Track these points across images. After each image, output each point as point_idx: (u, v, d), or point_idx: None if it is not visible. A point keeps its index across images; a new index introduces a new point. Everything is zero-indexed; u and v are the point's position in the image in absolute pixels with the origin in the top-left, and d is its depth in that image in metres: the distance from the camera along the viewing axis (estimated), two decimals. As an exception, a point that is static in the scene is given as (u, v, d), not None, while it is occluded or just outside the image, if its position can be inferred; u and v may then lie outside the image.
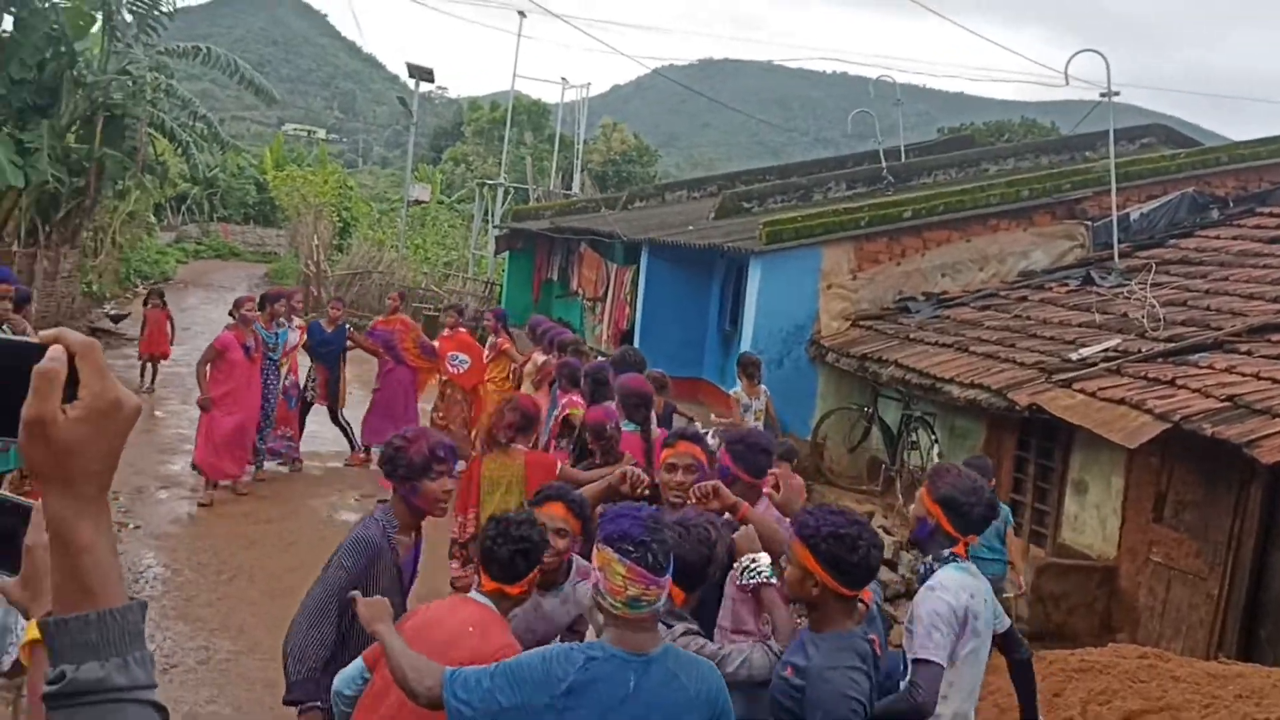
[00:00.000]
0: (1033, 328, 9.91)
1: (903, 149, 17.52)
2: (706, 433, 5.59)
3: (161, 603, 7.85)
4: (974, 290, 11.81)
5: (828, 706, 3.20)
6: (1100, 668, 5.21)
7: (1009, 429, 9.15)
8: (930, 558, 3.91)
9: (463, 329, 11.86)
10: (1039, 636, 7.50)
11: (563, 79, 31.47)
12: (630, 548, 2.98)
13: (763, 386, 9.71)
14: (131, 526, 9.38)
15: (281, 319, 10.78)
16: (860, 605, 3.50)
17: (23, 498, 1.69)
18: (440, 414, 11.53)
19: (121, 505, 9.96)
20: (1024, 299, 11.07)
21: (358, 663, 3.61)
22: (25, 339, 1.17)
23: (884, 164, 16.04)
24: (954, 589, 3.73)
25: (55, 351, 1.13)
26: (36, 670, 1.50)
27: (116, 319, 20.74)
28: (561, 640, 3.96)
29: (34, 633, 1.50)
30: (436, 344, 11.69)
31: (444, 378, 11.54)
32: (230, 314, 10.65)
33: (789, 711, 3.36)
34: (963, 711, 3.83)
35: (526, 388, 10.47)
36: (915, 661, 3.64)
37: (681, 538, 3.45)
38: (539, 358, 10.08)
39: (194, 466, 10.31)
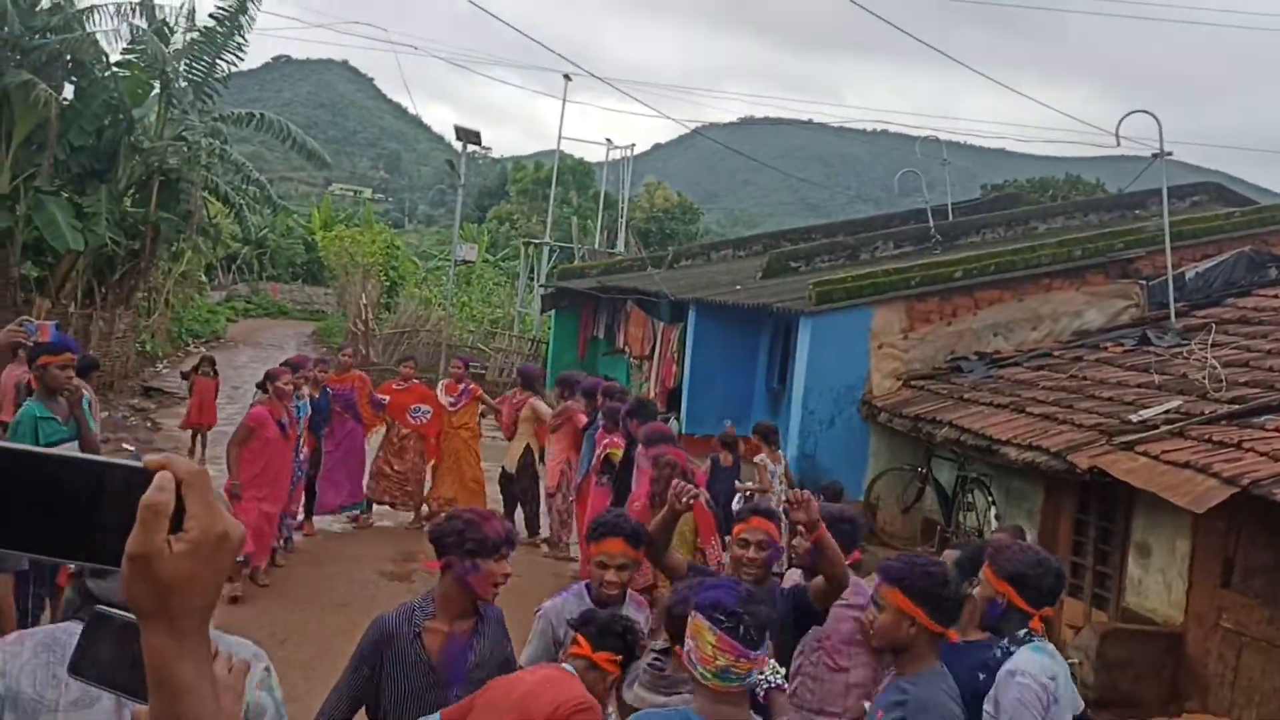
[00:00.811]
0: (1090, 388, 9.78)
1: (950, 208, 17.52)
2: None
3: (218, 664, 7.86)
4: (1027, 350, 11.72)
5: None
6: (1176, 741, 5.06)
7: (1068, 491, 9.01)
8: (1005, 640, 3.80)
9: (417, 380, 11.75)
10: (1105, 704, 7.32)
11: (607, 140, 31.85)
12: (723, 618, 2.97)
13: (780, 451, 10.11)
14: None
15: (301, 390, 9.88)
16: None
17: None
18: (389, 464, 11.37)
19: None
20: (1079, 359, 10.95)
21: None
22: (131, 463, 1.11)
23: (931, 223, 16.03)
24: (1035, 672, 3.63)
25: (163, 481, 1.07)
26: None
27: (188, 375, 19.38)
28: None
29: None
30: (386, 397, 11.44)
31: (401, 429, 11.39)
32: (260, 386, 9.74)
33: None
34: None
35: (525, 431, 11.21)
36: None
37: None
38: (542, 407, 11.13)
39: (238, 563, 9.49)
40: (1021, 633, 3.78)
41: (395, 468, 11.39)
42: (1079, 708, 4.00)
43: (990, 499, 9.82)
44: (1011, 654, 3.73)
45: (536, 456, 11.20)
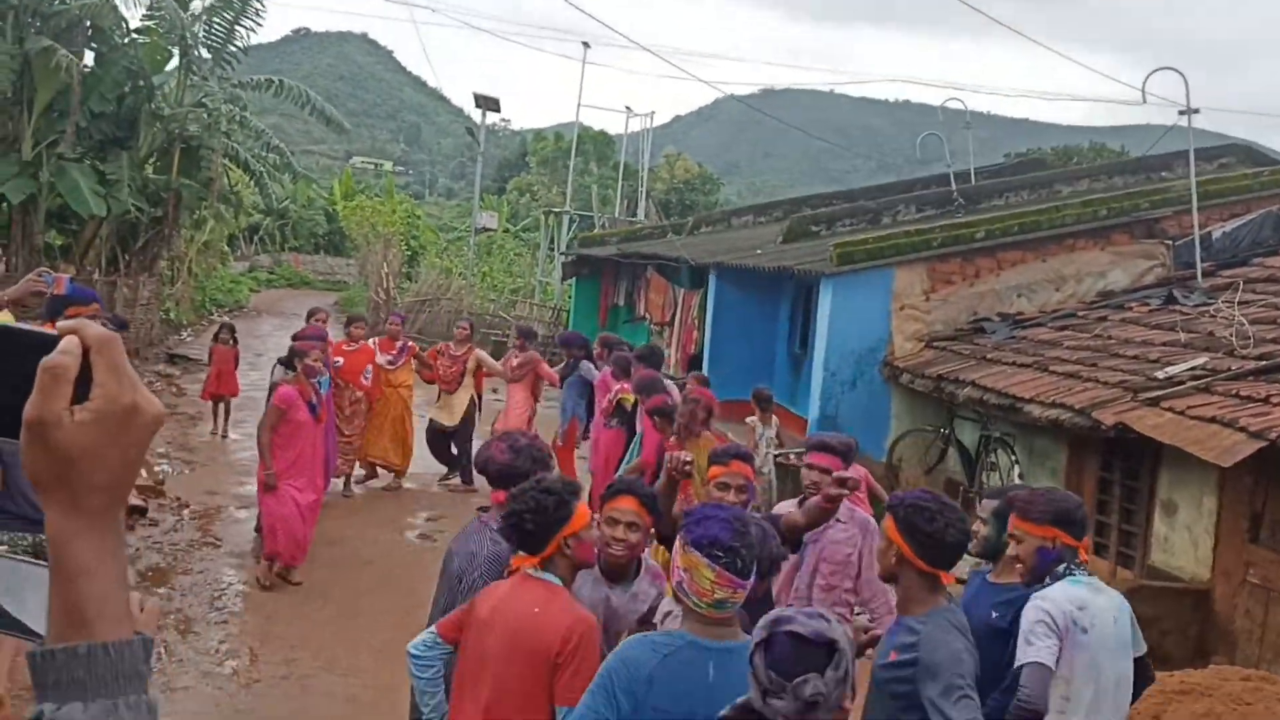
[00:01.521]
0: (1115, 347, 9.70)
1: (973, 171, 17.35)
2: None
3: (244, 619, 7.95)
4: (1051, 311, 11.61)
5: (946, 664, 3.27)
6: (1202, 690, 5.04)
7: (1092, 449, 8.95)
8: (1048, 578, 3.88)
9: (366, 342, 11.40)
10: (1130, 663, 7.30)
11: (627, 108, 31.71)
12: (720, 553, 3.04)
13: (773, 417, 10.59)
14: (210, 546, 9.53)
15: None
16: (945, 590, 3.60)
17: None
18: (339, 431, 10.60)
19: (197, 524, 10.13)
20: (1104, 319, 10.85)
21: (430, 632, 3.70)
22: (39, 330, 1.04)
23: (954, 187, 15.88)
24: (1056, 598, 3.75)
25: (67, 344, 1.00)
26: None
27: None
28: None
29: None
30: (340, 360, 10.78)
31: (353, 392, 10.95)
32: (286, 363, 9.00)
33: (902, 697, 3.34)
34: None
35: (469, 383, 11.78)
36: (1020, 668, 3.67)
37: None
38: (515, 359, 11.61)
39: (267, 559, 8.53)
40: (1060, 568, 3.85)
41: (345, 433, 10.84)
42: (1141, 649, 4.01)
43: (1014, 458, 9.77)
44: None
45: (478, 407, 11.92)
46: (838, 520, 5.05)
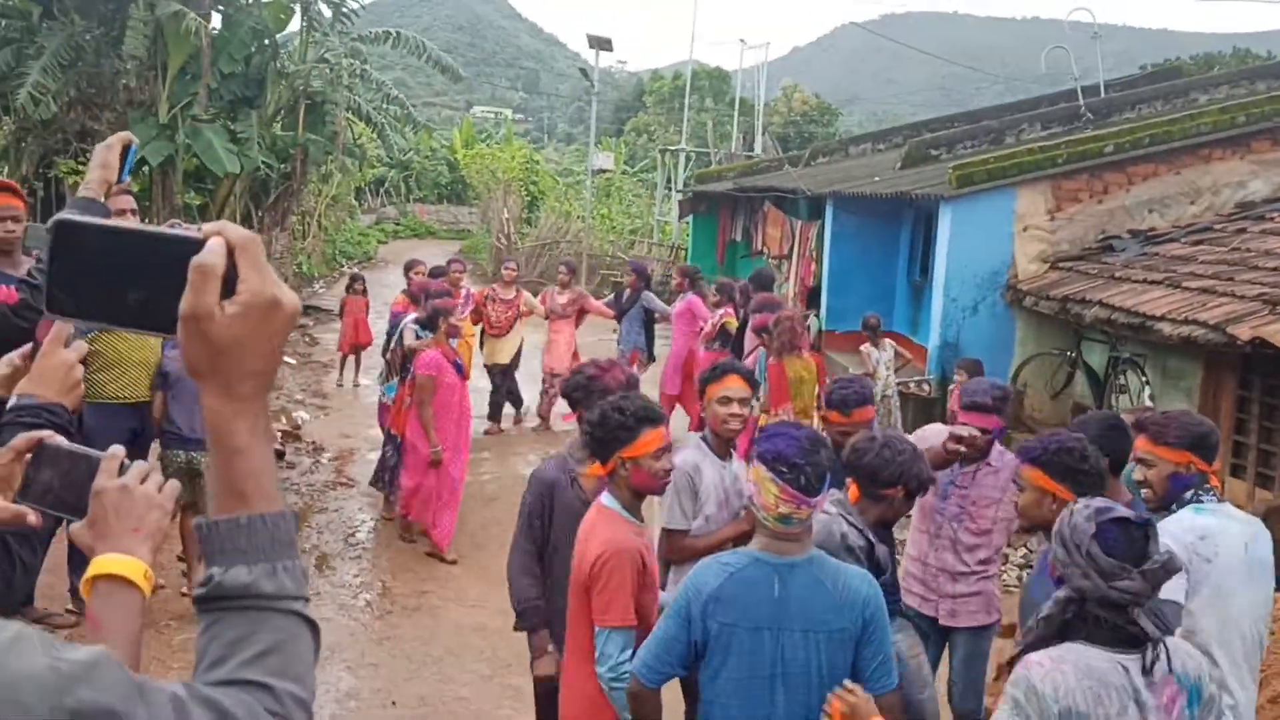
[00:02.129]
0: (1253, 259, 9.23)
1: (1102, 84, 16.60)
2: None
3: (376, 554, 8.29)
4: (1185, 225, 11.10)
5: None
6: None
7: (1228, 367, 8.58)
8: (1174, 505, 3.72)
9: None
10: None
11: (741, 40, 31.28)
12: (785, 469, 3.09)
13: (887, 341, 11.10)
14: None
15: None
16: None
17: (90, 449, 1.74)
18: None
19: (333, 466, 10.55)
20: (1242, 231, 10.33)
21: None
22: (185, 234, 1.13)
23: (1081, 101, 15.23)
24: (1174, 531, 3.53)
25: (214, 244, 1.09)
26: (94, 603, 1.52)
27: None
28: None
29: (94, 569, 1.53)
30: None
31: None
32: (423, 325, 8.38)
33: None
34: (1216, 656, 3.60)
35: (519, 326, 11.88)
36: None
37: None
38: (559, 298, 11.89)
39: (404, 518, 8.41)
40: (1189, 494, 3.71)
41: None
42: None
43: (1144, 379, 9.43)
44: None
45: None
46: (988, 464, 4.91)
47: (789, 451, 3.10)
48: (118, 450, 1.63)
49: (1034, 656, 2.66)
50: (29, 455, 1.73)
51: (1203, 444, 3.68)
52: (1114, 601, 2.58)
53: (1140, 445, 3.81)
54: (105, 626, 1.25)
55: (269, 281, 1.11)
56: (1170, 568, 2.63)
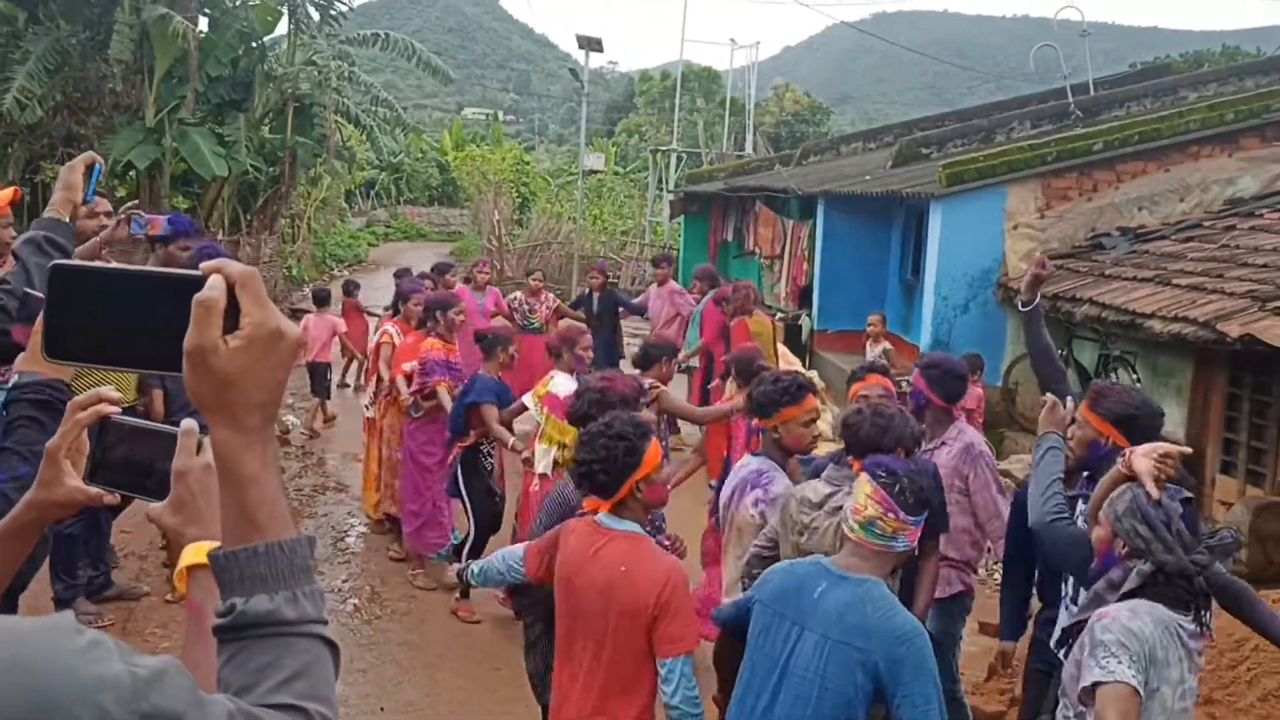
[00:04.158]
0: (1243, 256, 9.22)
1: (1091, 82, 16.61)
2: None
3: (365, 559, 8.25)
4: (1174, 223, 11.10)
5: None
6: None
7: (1218, 364, 8.57)
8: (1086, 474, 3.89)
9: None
10: (1259, 581, 7.01)
11: (731, 40, 31.28)
12: (883, 474, 3.14)
13: (880, 339, 11.16)
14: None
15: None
16: None
17: (160, 425, 1.67)
18: None
19: (322, 470, 10.49)
20: (1232, 228, 10.32)
21: (518, 551, 3.89)
22: (185, 272, 1.15)
23: (1071, 99, 15.24)
24: None
25: (215, 280, 1.11)
26: (195, 592, 1.46)
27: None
28: None
29: (190, 558, 1.47)
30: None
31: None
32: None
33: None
34: None
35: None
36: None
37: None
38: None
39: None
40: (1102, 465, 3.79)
41: None
42: None
43: (1135, 377, 9.43)
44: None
45: None
46: (942, 441, 4.95)
47: (894, 464, 3.20)
48: (191, 425, 1.53)
49: (1110, 610, 2.89)
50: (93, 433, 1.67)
51: (1129, 423, 3.75)
52: (1189, 574, 2.89)
53: (1080, 407, 3.94)
54: (209, 615, 1.23)
55: (270, 314, 1.13)
56: (1234, 547, 3.03)
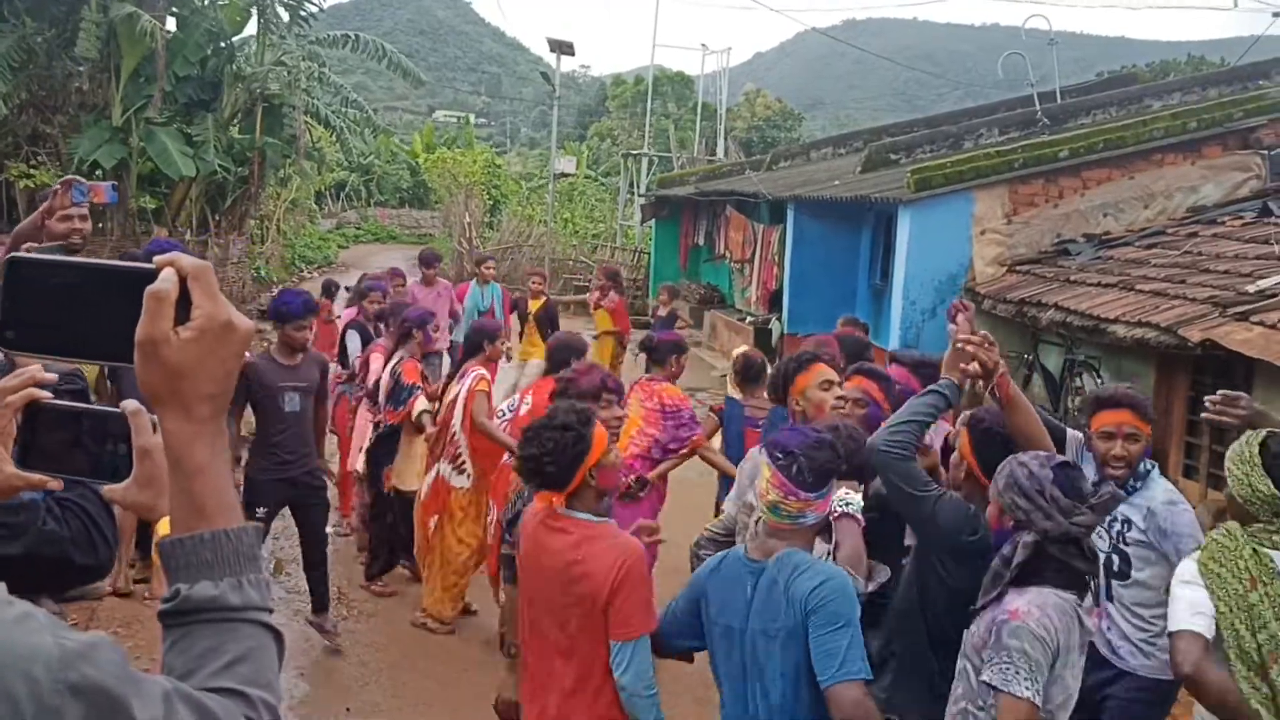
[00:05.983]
0: (1204, 263, 9.36)
1: (1058, 90, 16.77)
2: None
3: (331, 560, 8.20)
4: (1139, 229, 11.24)
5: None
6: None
7: (1181, 368, 8.68)
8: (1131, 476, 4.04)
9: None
10: (1219, 582, 7.12)
11: (703, 45, 31.35)
12: (779, 455, 3.10)
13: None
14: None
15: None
16: None
17: (95, 406, 1.60)
18: None
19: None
20: (1194, 235, 10.47)
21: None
22: (139, 265, 1.16)
23: (1038, 106, 15.38)
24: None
25: (167, 273, 1.13)
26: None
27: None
28: None
29: (166, 528, 1.41)
30: None
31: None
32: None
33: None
34: None
35: None
36: None
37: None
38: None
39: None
40: (1146, 464, 4.09)
41: None
42: None
43: (1099, 381, 9.53)
44: (1139, 487, 4.07)
45: None
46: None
47: (790, 442, 3.10)
48: (138, 405, 1.48)
49: (1018, 608, 2.87)
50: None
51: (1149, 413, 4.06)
52: (1073, 536, 2.92)
53: (1123, 418, 4.03)
54: None
55: (221, 306, 1.14)
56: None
